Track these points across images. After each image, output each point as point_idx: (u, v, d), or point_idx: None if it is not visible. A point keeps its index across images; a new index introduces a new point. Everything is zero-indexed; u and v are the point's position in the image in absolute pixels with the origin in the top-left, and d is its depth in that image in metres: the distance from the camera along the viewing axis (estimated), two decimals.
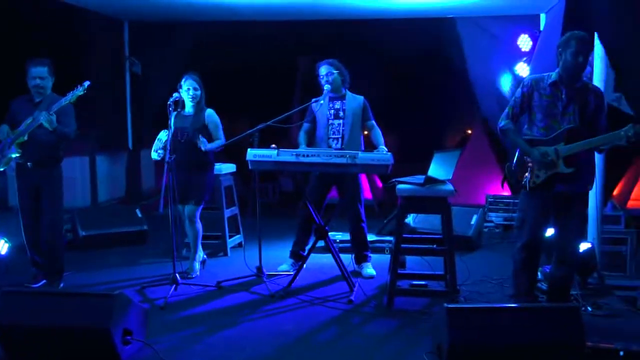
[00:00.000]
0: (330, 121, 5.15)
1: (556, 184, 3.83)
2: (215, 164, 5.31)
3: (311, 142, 5.22)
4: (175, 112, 4.83)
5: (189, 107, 5.03)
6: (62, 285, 4.87)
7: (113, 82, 8.29)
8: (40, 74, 4.65)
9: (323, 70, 5.13)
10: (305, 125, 5.27)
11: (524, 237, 3.96)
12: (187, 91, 4.95)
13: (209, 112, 5.09)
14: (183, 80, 4.97)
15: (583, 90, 3.83)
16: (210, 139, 5.02)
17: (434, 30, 7.82)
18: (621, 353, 3.37)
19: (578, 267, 4.01)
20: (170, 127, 4.68)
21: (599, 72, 5.03)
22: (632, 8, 4.51)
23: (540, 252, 4.01)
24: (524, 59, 7.32)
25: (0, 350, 3.45)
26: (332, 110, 5.16)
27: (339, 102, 5.16)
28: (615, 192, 7.75)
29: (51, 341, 3.37)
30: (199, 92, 5.00)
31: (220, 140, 5.07)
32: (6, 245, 5.31)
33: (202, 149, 4.89)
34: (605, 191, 5.22)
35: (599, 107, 3.82)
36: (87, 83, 4.54)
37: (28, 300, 3.51)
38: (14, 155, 4.67)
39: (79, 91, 4.52)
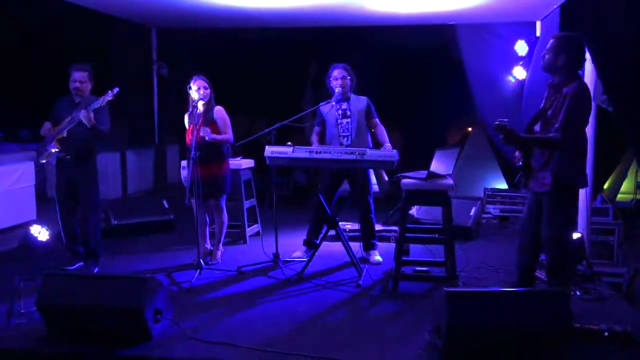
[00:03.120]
0: (339, 120, 5.18)
1: (529, 181, 3.78)
2: (236, 159, 5.36)
3: (322, 142, 5.25)
4: (189, 112, 4.88)
5: (199, 106, 4.92)
6: (96, 269, 4.94)
7: (142, 84, 8.38)
8: (80, 78, 4.79)
9: (336, 73, 5.15)
10: (316, 128, 5.31)
11: (518, 225, 3.99)
12: (198, 91, 4.85)
13: (218, 108, 5.03)
14: (192, 81, 4.88)
15: (556, 87, 3.68)
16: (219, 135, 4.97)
17: (436, 36, 7.79)
18: (606, 333, 3.39)
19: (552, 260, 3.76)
20: (194, 126, 4.74)
21: (589, 74, 5.01)
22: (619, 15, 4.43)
23: (531, 242, 3.85)
24: (521, 62, 7.31)
25: (44, 326, 3.56)
26: (340, 111, 5.19)
27: (345, 103, 5.20)
28: (605, 186, 7.76)
29: (89, 319, 3.44)
30: (208, 91, 4.96)
31: (227, 135, 5.02)
32: (47, 233, 5.42)
33: (207, 138, 4.82)
34: (595, 185, 5.23)
35: (558, 107, 3.58)
36: (116, 90, 4.66)
37: (68, 282, 3.57)
38: (53, 150, 4.78)
39: (109, 96, 4.65)
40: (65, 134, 4.72)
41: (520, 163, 3.80)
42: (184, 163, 5.09)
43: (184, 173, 5.06)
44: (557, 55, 3.60)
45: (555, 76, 3.67)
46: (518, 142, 3.69)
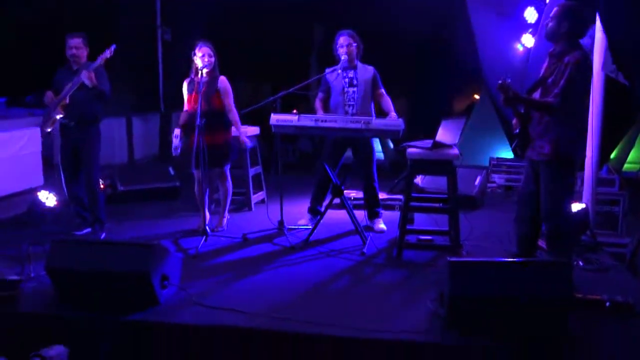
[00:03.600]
0: (346, 89, 5.14)
1: (525, 149, 3.80)
2: (241, 126, 5.32)
3: (326, 109, 5.23)
4: (189, 79, 4.85)
5: (203, 73, 4.82)
6: (104, 235, 5.00)
7: (146, 49, 8.32)
8: (76, 44, 4.84)
9: (342, 40, 5.09)
10: (320, 95, 5.28)
11: (517, 195, 4.02)
12: (202, 57, 4.79)
13: (222, 78, 4.96)
14: (197, 47, 4.82)
15: (557, 56, 3.67)
16: (221, 104, 4.93)
17: (443, 2, 7.68)
18: (607, 304, 3.42)
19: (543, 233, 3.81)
20: (199, 93, 4.70)
21: (598, 43, 4.95)
22: None
23: (530, 211, 3.87)
24: (530, 30, 7.19)
25: (53, 289, 3.62)
26: (347, 79, 5.15)
27: (352, 71, 5.15)
28: (612, 156, 7.72)
29: (97, 284, 3.50)
30: (213, 59, 4.87)
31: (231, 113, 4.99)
32: (54, 198, 5.46)
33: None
34: (601, 155, 5.20)
35: (559, 74, 3.57)
36: (113, 47, 4.72)
37: (77, 248, 3.62)
38: (58, 117, 4.80)
39: (107, 54, 4.70)
40: (67, 100, 4.75)
41: (517, 130, 3.80)
42: (176, 131, 4.93)
43: (175, 141, 4.89)
44: (560, 22, 3.62)
45: (557, 44, 3.68)
46: (517, 102, 3.69)
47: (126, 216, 5.73)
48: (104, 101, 4.89)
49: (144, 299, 3.48)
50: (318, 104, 5.26)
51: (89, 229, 5.05)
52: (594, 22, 4.75)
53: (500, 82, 3.58)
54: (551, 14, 3.68)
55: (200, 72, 4.76)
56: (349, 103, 5.14)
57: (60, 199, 5.47)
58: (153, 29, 8.41)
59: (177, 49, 8.41)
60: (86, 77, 4.62)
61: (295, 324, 3.30)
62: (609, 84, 5.01)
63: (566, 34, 3.60)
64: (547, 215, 3.72)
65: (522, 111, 3.76)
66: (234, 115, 5.01)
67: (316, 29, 9.50)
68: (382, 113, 5.21)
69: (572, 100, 3.56)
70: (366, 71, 5.19)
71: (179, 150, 4.85)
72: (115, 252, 3.53)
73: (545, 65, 3.80)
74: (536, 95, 3.72)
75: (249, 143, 4.86)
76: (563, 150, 3.61)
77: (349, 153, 5.40)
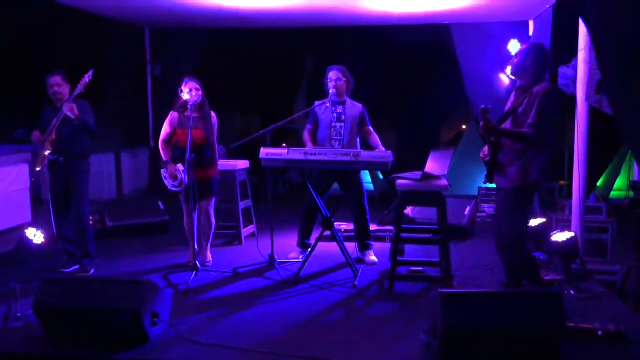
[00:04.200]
0: (334, 124, 5.22)
1: (493, 176, 3.95)
2: (231, 160, 5.34)
3: (314, 142, 5.28)
4: (176, 114, 4.90)
5: (191, 108, 4.80)
6: (92, 271, 4.96)
7: (135, 84, 8.38)
8: (56, 82, 4.86)
9: (333, 75, 5.18)
10: (309, 127, 5.34)
11: (493, 225, 4.14)
12: (190, 92, 4.81)
13: (213, 115, 5.03)
14: (184, 83, 4.87)
15: (524, 89, 3.86)
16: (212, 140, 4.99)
17: (430, 35, 7.84)
18: (599, 333, 3.43)
19: (513, 259, 3.94)
20: (190, 128, 4.73)
21: (581, 74, 5.06)
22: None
23: None
24: None
25: (40, 329, 3.57)
26: (335, 114, 5.23)
27: (341, 107, 5.23)
28: (598, 184, 7.82)
29: (86, 323, 3.45)
30: (200, 93, 4.89)
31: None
32: (42, 236, 5.41)
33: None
34: (588, 183, 5.26)
35: (529, 105, 3.75)
36: (91, 71, 4.77)
37: (65, 286, 3.58)
38: (46, 153, 4.81)
39: (86, 79, 4.76)
40: (54, 136, 4.78)
41: (488, 158, 3.93)
42: (179, 167, 4.85)
43: (180, 176, 4.84)
44: (525, 58, 3.85)
45: (523, 79, 3.89)
46: (493, 132, 3.83)
47: (115, 252, 5.70)
48: (91, 134, 4.89)
49: (133, 337, 3.43)
50: (307, 136, 5.31)
51: (77, 266, 5.00)
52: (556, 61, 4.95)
53: (482, 107, 3.72)
54: (516, 52, 3.95)
55: (189, 107, 4.78)
56: (336, 138, 5.21)
57: (48, 236, 5.43)
58: (142, 64, 8.48)
59: (167, 84, 8.46)
60: (68, 109, 4.67)
61: (287, 359, 3.26)
62: (593, 113, 5.11)
63: (531, 68, 3.82)
64: (509, 243, 3.87)
65: (493, 139, 3.90)
66: (216, 151, 5.09)
67: (306, 62, 9.62)
68: (368, 148, 5.26)
69: (544, 128, 3.74)
70: (354, 108, 5.27)
71: (183, 186, 4.83)
72: (104, 290, 3.50)
73: (512, 98, 4.00)
74: (506, 125, 3.89)
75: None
76: (533, 177, 3.80)
77: (336, 186, 5.44)
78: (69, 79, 4.91)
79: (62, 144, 4.82)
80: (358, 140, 5.33)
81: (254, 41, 8.21)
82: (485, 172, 4.00)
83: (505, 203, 3.91)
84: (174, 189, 4.94)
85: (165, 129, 5.00)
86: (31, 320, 3.72)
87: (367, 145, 5.34)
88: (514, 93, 4.00)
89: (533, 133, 3.72)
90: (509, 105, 3.97)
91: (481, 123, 3.79)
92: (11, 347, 3.49)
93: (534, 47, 3.91)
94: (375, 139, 5.26)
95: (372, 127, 5.33)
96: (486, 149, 3.96)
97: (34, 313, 3.54)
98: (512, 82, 7.35)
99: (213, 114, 5.04)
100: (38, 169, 4.95)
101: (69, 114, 4.68)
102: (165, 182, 4.96)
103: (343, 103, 5.24)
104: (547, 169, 3.88)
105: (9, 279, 4.01)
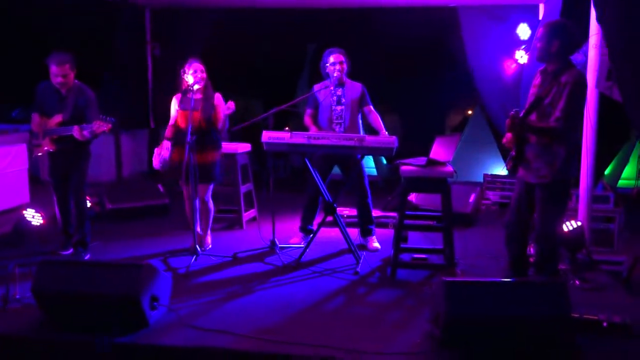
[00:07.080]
0: (334, 107, 5.19)
1: (517, 169, 3.87)
2: (232, 143, 5.31)
3: (315, 125, 5.25)
4: (179, 95, 4.86)
5: (195, 90, 4.81)
6: (88, 255, 4.95)
7: (135, 65, 8.32)
8: (62, 72, 4.64)
9: (334, 58, 5.13)
10: (309, 111, 5.31)
11: (506, 216, 4.07)
12: (194, 74, 4.79)
13: (217, 95, 4.97)
14: (187, 64, 4.84)
15: (552, 75, 3.69)
16: (215, 122, 4.93)
17: (436, 18, 7.75)
18: (604, 324, 3.42)
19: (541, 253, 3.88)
20: (190, 109, 4.71)
21: (592, 61, 5.02)
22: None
23: (521, 231, 3.99)
24: (523, 46, 7.29)
25: (39, 312, 3.59)
26: (335, 97, 5.19)
27: (341, 89, 5.20)
28: (606, 172, 7.79)
29: (85, 307, 3.47)
30: (204, 75, 4.87)
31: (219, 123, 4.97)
32: (40, 217, 5.43)
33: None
34: (596, 172, 5.24)
35: (557, 95, 3.60)
36: (112, 120, 4.56)
37: (64, 270, 3.59)
38: (46, 148, 4.78)
39: (104, 128, 4.54)
40: (56, 137, 4.74)
41: (513, 152, 3.84)
42: (167, 144, 4.89)
43: (165, 153, 4.86)
44: (549, 41, 3.66)
45: (549, 63, 3.73)
46: (524, 130, 3.71)
47: (115, 234, 5.70)
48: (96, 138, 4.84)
49: (133, 321, 3.45)
50: (308, 120, 5.28)
51: (72, 249, 5.00)
52: (586, 38, 4.82)
53: (512, 113, 3.61)
54: (538, 35, 3.73)
55: (192, 88, 4.77)
56: (337, 121, 5.18)
57: (46, 216, 5.44)
58: (143, 45, 8.42)
59: (167, 65, 8.41)
60: (78, 134, 4.59)
61: (287, 346, 3.28)
62: (603, 100, 5.08)
63: (557, 52, 3.65)
64: (540, 237, 3.80)
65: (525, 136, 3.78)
66: (219, 134, 5.05)
67: (309, 47, 9.55)
68: (370, 129, 5.24)
69: (573, 120, 3.62)
70: (354, 89, 5.23)
71: (166, 166, 4.83)
72: (103, 273, 3.50)
73: (537, 82, 3.84)
74: (532, 116, 3.75)
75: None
76: (560, 172, 3.67)
77: (337, 170, 5.42)
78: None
79: (65, 143, 4.75)
80: (360, 121, 5.29)
81: (256, 22, 8.14)
82: (510, 165, 3.89)
83: (537, 199, 3.80)
84: (157, 167, 4.93)
85: (172, 112, 5.00)
86: (30, 302, 3.73)
87: (368, 126, 5.31)
88: (539, 76, 3.83)
89: (561, 126, 3.57)
90: (532, 89, 3.83)
91: (507, 121, 3.66)
92: (10, 329, 3.51)
93: (560, 29, 3.66)
94: (377, 119, 5.21)
95: (373, 107, 5.27)
96: (509, 135, 3.85)
97: (32, 296, 3.55)
98: (520, 67, 7.31)
99: (218, 95, 4.98)
100: (39, 154, 4.90)
101: (77, 136, 4.60)
102: (154, 160, 4.95)
103: (342, 85, 5.21)
104: (573, 161, 3.76)
105: (7, 261, 4.02)
